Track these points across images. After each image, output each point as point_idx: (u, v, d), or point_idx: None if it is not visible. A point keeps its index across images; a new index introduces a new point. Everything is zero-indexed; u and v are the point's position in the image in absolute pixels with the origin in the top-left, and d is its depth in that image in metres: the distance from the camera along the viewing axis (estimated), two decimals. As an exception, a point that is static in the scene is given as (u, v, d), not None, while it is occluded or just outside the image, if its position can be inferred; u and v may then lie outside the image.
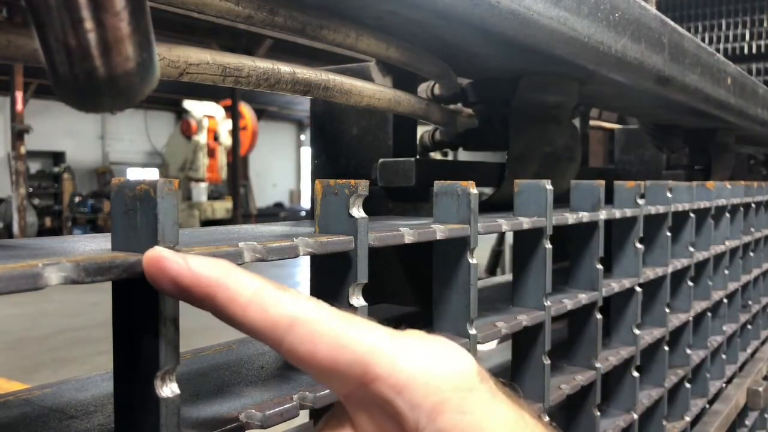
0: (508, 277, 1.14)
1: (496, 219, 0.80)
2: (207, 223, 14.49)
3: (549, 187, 0.88)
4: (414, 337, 0.36)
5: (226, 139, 15.17)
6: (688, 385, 1.47)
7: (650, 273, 1.25)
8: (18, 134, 11.33)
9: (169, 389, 0.38)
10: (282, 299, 0.35)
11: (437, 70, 1.01)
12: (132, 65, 0.28)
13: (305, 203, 20.41)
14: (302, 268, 9.42)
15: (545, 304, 0.90)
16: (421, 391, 0.33)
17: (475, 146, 1.26)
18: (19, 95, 11.29)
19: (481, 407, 0.34)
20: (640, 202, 1.19)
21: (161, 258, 0.35)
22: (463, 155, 1.75)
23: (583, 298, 0.99)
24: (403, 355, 0.34)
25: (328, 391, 0.51)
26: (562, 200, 1.02)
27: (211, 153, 15.49)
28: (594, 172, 1.79)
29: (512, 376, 0.92)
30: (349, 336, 0.34)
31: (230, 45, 11.03)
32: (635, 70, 1.11)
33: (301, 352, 0.34)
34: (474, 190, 0.72)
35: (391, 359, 0.34)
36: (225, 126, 15.10)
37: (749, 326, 2.05)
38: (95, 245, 0.44)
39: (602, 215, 1.04)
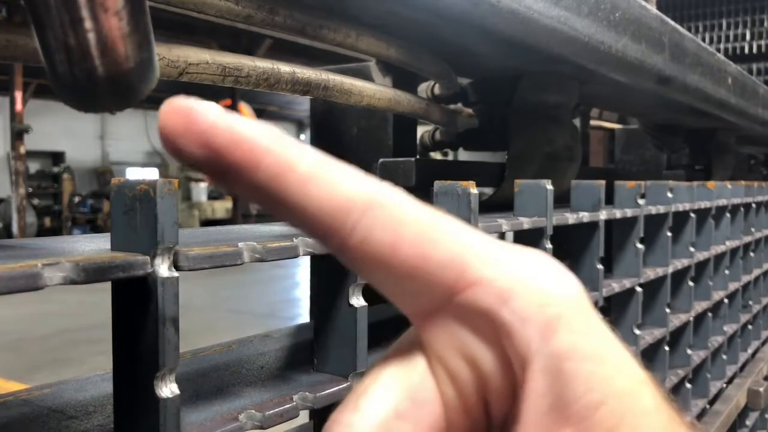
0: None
1: (496, 219, 0.80)
2: (207, 223, 14.50)
3: (549, 187, 0.88)
4: (513, 246, 0.28)
5: (226, 139, 15.14)
6: (688, 386, 1.47)
7: (651, 273, 1.25)
8: (17, 134, 11.34)
9: (168, 389, 0.38)
10: (352, 175, 0.26)
11: (437, 69, 1.01)
12: (131, 65, 0.28)
13: (305, 203, 20.31)
14: (302, 268, 9.43)
15: (545, 304, 0.89)
16: (535, 300, 0.26)
17: (475, 146, 1.26)
18: (18, 95, 11.29)
19: (598, 329, 0.26)
20: (641, 202, 1.19)
21: (189, 108, 0.26)
22: (463, 155, 1.75)
23: (584, 298, 0.99)
24: (508, 260, 0.26)
25: (328, 391, 0.51)
26: (562, 200, 1.02)
27: (211, 153, 15.48)
28: (594, 172, 1.79)
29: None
30: (442, 229, 0.26)
31: (230, 45, 11.04)
32: (636, 70, 1.11)
33: (380, 242, 0.26)
34: (474, 190, 0.72)
35: (495, 261, 0.26)
36: (225, 126, 15.06)
37: (750, 326, 2.05)
38: (95, 245, 0.44)
39: (603, 215, 1.04)
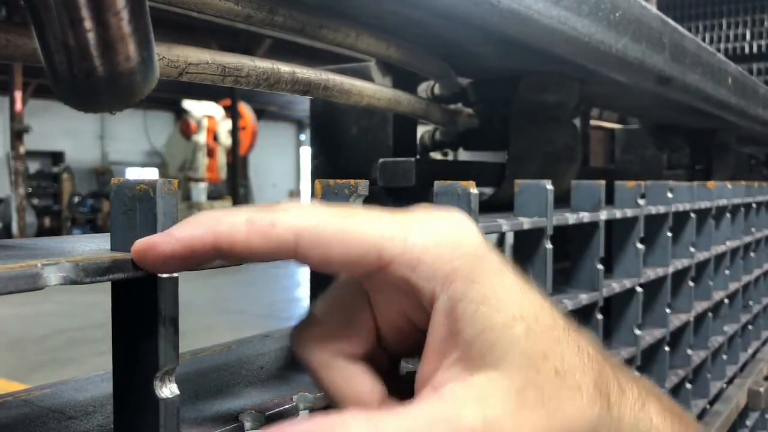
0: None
1: (496, 219, 0.80)
2: (207, 223, 14.47)
3: (549, 187, 0.88)
4: (419, 213, 0.36)
5: (226, 139, 15.17)
6: (688, 386, 1.47)
7: (651, 273, 1.25)
8: (17, 134, 11.34)
9: (168, 390, 0.38)
10: (277, 218, 0.35)
11: (437, 69, 1.01)
12: (131, 65, 0.28)
13: (305, 203, 20.32)
14: (303, 268, 9.39)
15: (546, 304, 0.89)
16: (434, 262, 0.35)
17: (475, 146, 1.26)
18: (18, 95, 11.29)
19: (489, 276, 0.35)
20: (641, 202, 1.19)
21: (150, 245, 0.35)
22: (463, 155, 1.75)
23: (584, 298, 0.99)
24: (411, 233, 0.35)
25: (328, 391, 0.51)
26: (562, 200, 1.02)
27: (211, 153, 15.49)
28: (594, 172, 1.79)
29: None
30: (357, 230, 0.35)
31: (230, 45, 11.04)
32: (636, 70, 1.11)
33: (316, 258, 0.35)
34: (474, 190, 0.72)
35: (401, 239, 0.35)
36: (224, 126, 15.10)
37: (750, 326, 2.05)
38: (94, 245, 0.44)
39: (603, 215, 1.04)
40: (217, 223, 0.35)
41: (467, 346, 0.35)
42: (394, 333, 0.40)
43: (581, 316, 1.04)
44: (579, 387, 0.36)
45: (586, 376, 0.36)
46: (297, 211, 0.35)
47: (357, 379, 0.39)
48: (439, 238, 0.35)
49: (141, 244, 0.36)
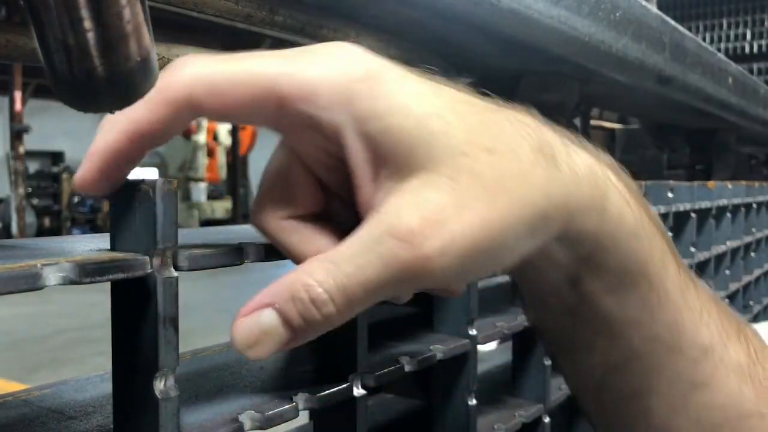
0: (508, 277, 1.14)
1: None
2: (206, 223, 14.50)
3: (550, 187, 0.88)
4: (311, 47, 0.36)
5: (226, 139, 15.17)
6: (688, 386, 1.46)
7: (651, 273, 1.25)
8: (17, 134, 11.33)
9: (168, 390, 0.38)
10: (169, 81, 0.34)
11: (437, 69, 1.01)
12: (132, 65, 0.28)
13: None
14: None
15: (546, 304, 0.89)
16: (331, 91, 0.34)
17: (476, 146, 1.26)
18: (18, 95, 11.29)
19: (390, 87, 0.34)
20: (641, 202, 1.18)
21: (79, 179, 0.38)
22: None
23: (584, 298, 0.99)
24: (305, 67, 0.34)
25: (328, 391, 0.51)
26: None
27: (211, 153, 15.49)
28: (594, 172, 1.78)
29: (513, 377, 0.92)
30: (250, 71, 0.34)
31: (230, 45, 11.02)
32: (636, 70, 1.10)
33: (213, 108, 0.34)
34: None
35: (295, 74, 0.34)
36: (224, 125, 15.10)
37: (749, 326, 2.05)
38: (94, 245, 0.44)
39: (603, 215, 1.04)
40: (122, 121, 0.35)
41: (390, 160, 0.34)
42: (334, 178, 0.39)
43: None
44: (517, 157, 0.34)
45: (522, 145, 0.35)
46: (187, 67, 0.34)
47: (314, 237, 0.39)
48: (333, 67, 0.34)
49: (74, 181, 0.37)
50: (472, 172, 0.33)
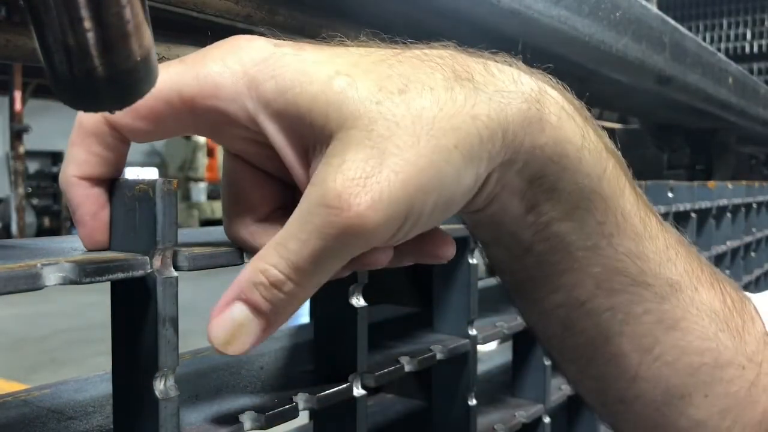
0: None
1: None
2: (206, 223, 14.49)
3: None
4: (207, 48, 0.36)
5: (226, 139, 15.12)
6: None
7: (651, 273, 1.25)
8: (16, 134, 11.34)
9: (168, 390, 0.38)
10: (78, 123, 0.36)
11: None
12: (132, 64, 0.28)
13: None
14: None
15: (546, 304, 0.89)
16: (230, 82, 0.34)
17: (476, 146, 1.26)
18: (17, 95, 11.29)
19: (286, 63, 0.34)
20: (641, 202, 1.18)
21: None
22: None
23: (584, 298, 0.99)
24: (201, 66, 0.35)
25: (328, 391, 0.51)
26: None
27: (211, 152, 15.48)
28: (594, 172, 1.78)
29: (512, 377, 0.92)
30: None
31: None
32: (636, 70, 1.10)
33: (131, 126, 0.35)
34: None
35: (195, 74, 0.34)
36: (225, 126, 15.05)
37: (749, 326, 2.05)
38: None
39: (603, 215, 1.04)
40: (72, 174, 0.37)
41: (308, 134, 0.34)
42: (279, 166, 0.38)
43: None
44: (430, 89, 0.33)
45: (434, 76, 0.34)
46: None
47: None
48: (228, 59, 0.34)
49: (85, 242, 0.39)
50: (387, 117, 0.32)
